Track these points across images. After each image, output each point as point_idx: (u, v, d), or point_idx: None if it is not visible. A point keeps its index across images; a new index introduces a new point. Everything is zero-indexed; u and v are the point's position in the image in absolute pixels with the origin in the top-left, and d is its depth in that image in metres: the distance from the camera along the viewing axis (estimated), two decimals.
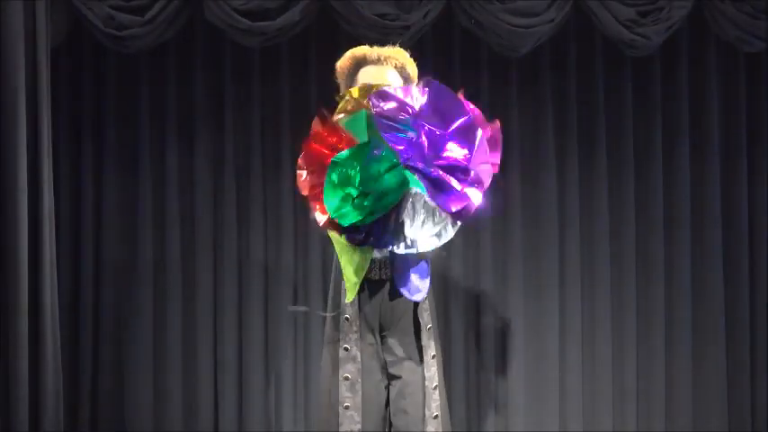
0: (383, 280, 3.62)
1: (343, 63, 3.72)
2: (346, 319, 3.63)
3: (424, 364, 3.59)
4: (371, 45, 4.54)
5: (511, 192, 4.90)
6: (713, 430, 5.00)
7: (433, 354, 3.62)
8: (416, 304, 3.60)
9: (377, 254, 3.56)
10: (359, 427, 3.57)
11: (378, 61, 3.65)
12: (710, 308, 5.03)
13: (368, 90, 3.36)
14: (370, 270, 3.56)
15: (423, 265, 3.52)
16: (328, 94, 4.54)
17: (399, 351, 3.63)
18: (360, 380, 3.58)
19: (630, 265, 5.01)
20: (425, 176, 3.25)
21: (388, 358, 3.63)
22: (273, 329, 4.91)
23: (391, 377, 3.63)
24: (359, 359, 3.60)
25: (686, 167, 5.03)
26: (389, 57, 3.66)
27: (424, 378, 3.58)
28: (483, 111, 4.80)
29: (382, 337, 3.64)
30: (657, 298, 5.01)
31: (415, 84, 3.58)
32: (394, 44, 3.86)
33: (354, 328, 3.61)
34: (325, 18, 4.72)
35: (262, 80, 4.92)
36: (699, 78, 5.05)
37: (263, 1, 4.59)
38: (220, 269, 4.93)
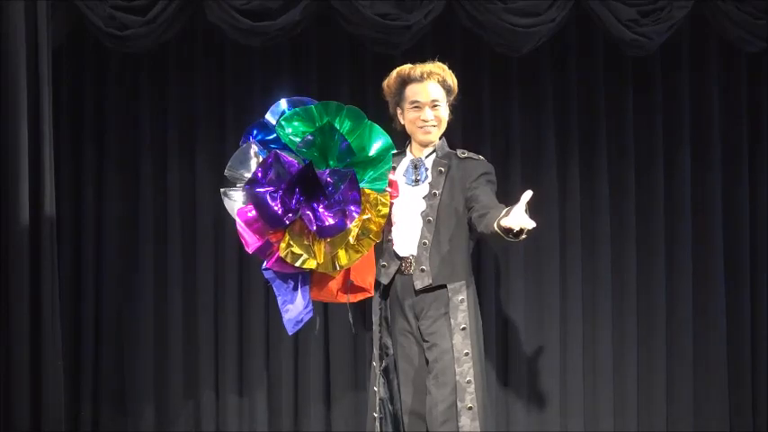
0: (411, 275, 3.87)
1: (389, 82, 3.98)
2: (380, 309, 3.94)
3: (455, 360, 3.78)
4: (373, 46, 4.60)
5: (511, 191, 4.88)
6: (714, 431, 5.00)
7: (466, 351, 3.80)
8: (447, 302, 3.84)
9: (404, 252, 3.88)
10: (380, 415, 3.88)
11: (421, 78, 3.91)
12: (711, 308, 5.03)
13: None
14: (399, 266, 3.88)
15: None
16: (328, 93, 4.58)
17: (430, 339, 3.86)
18: (390, 368, 3.90)
19: (631, 264, 5.01)
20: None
21: (423, 344, 3.88)
22: (274, 328, 4.89)
23: (427, 361, 3.88)
24: (390, 347, 3.92)
25: (687, 167, 5.03)
26: (431, 72, 3.92)
27: (454, 372, 3.77)
28: (484, 110, 4.88)
29: (419, 325, 3.90)
30: (658, 298, 5.01)
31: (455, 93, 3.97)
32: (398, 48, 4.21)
33: (386, 324, 3.93)
34: (326, 18, 4.72)
35: (262, 80, 4.92)
36: (699, 78, 5.05)
37: (264, 1, 4.58)
38: (221, 268, 4.94)
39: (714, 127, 5.04)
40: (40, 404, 4.49)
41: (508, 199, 4.78)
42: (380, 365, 3.91)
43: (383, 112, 4.07)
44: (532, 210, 4.88)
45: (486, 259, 4.95)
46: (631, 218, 5.02)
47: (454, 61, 4.12)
